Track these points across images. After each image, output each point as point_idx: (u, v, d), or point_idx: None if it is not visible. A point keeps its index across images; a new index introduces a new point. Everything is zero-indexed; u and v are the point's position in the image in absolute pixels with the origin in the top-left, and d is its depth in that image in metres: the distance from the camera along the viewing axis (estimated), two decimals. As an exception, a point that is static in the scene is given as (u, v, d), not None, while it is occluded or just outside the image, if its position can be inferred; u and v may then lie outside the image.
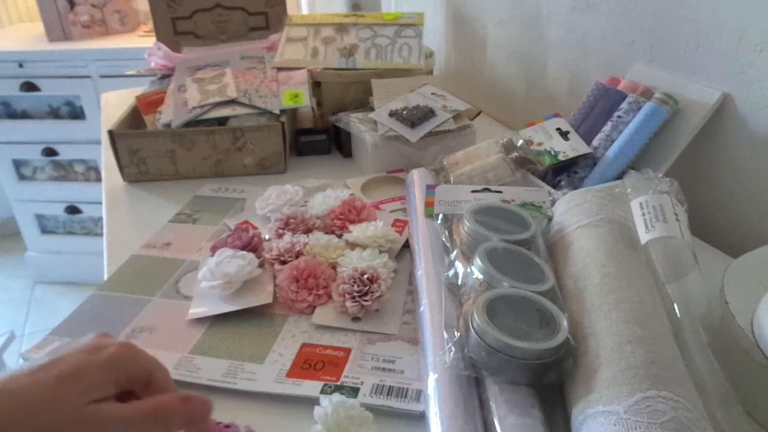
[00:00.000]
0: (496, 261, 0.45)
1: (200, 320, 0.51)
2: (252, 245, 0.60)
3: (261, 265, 0.57)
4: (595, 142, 0.70)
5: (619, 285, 0.42)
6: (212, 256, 0.57)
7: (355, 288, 0.51)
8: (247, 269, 0.54)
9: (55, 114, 1.98)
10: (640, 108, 0.67)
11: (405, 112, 0.79)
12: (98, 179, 2.02)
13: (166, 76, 0.94)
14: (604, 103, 0.71)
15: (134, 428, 0.33)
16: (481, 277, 0.44)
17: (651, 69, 0.71)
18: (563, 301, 0.44)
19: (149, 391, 0.34)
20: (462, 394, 0.39)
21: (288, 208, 0.65)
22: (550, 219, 0.55)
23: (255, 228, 0.64)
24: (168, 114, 0.82)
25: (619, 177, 0.66)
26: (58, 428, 0.31)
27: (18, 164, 2.04)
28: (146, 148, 0.78)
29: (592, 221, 0.49)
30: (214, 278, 0.54)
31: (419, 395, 0.42)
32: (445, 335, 0.42)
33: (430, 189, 0.62)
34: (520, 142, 0.71)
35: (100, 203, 0.77)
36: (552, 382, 0.39)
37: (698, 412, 0.33)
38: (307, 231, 0.62)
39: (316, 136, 0.88)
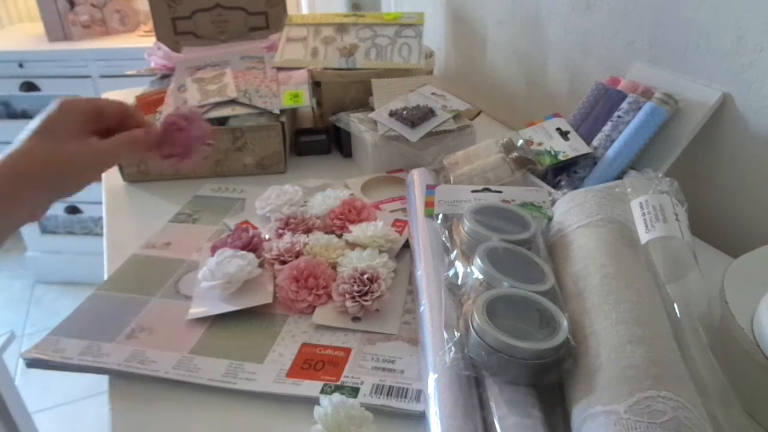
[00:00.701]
0: (496, 261, 0.45)
1: (200, 320, 0.52)
2: (252, 245, 0.60)
3: (261, 265, 0.57)
4: (595, 142, 0.70)
5: (619, 285, 0.42)
6: (212, 256, 0.57)
7: (355, 288, 0.51)
8: (247, 269, 0.54)
9: (55, 114, 1.98)
10: (640, 108, 0.67)
11: (405, 112, 0.79)
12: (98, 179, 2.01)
13: (166, 76, 0.94)
14: (604, 103, 0.71)
15: (114, 153, 0.49)
16: (481, 277, 0.44)
17: (651, 69, 0.71)
18: (563, 301, 0.44)
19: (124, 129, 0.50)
20: (462, 394, 0.39)
21: (288, 208, 0.65)
22: (550, 219, 0.55)
23: (255, 228, 0.64)
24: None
25: (619, 177, 0.66)
26: (67, 164, 0.45)
27: (18, 164, 2.04)
28: (146, 148, 0.78)
29: (592, 221, 0.49)
30: (214, 278, 0.54)
31: (419, 395, 0.43)
32: (445, 335, 0.42)
33: (430, 189, 0.62)
34: (520, 142, 0.71)
35: (100, 203, 0.77)
36: (552, 382, 0.39)
37: (698, 412, 0.33)
38: (307, 231, 0.62)
39: (316, 136, 0.88)
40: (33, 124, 0.46)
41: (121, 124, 0.51)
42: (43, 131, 0.46)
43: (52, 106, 0.48)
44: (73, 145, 0.46)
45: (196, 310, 0.52)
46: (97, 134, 0.49)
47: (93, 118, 0.49)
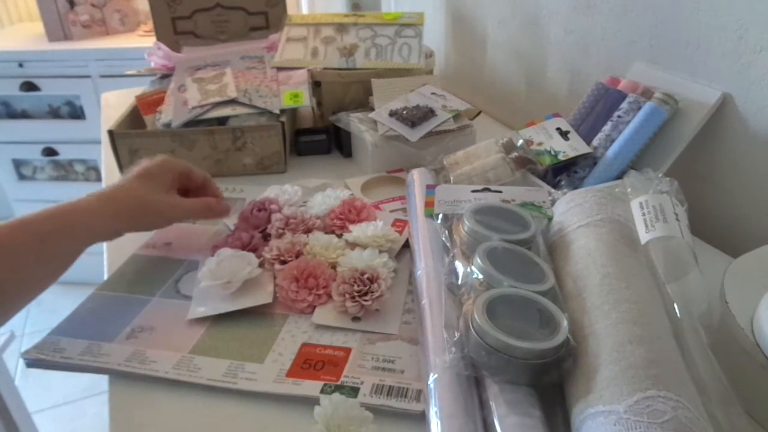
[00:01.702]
0: (496, 261, 0.45)
1: (200, 320, 0.51)
2: (252, 245, 0.60)
3: (261, 265, 0.57)
4: (595, 142, 0.70)
5: (619, 285, 0.42)
6: (212, 256, 0.57)
7: (355, 288, 0.51)
8: (247, 269, 0.54)
9: (55, 114, 1.98)
10: (640, 108, 0.67)
11: (405, 112, 0.79)
12: (98, 179, 2.02)
13: (166, 75, 0.94)
14: (604, 103, 0.71)
15: (192, 213, 0.62)
16: (481, 276, 0.44)
17: (651, 69, 0.71)
18: (563, 301, 0.44)
19: (201, 194, 0.64)
20: (462, 394, 0.39)
21: (287, 208, 0.65)
22: (550, 219, 0.55)
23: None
24: (168, 114, 0.82)
25: (619, 177, 0.66)
26: (155, 209, 0.57)
27: (18, 164, 2.04)
28: (146, 148, 0.78)
29: (592, 221, 0.49)
30: (214, 278, 0.54)
31: (419, 395, 0.42)
32: (445, 335, 0.42)
33: (430, 189, 0.62)
34: (520, 141, 0.71)
35: (100, 203, 0.76)
36: (552, 382, 0.39)
37: (698, 412, 0.33)
38: (307, 231, 0.62)
39: (316, 136, 0.88)
40: (137, 169, 0.58)
41: (200, 188, 0.64)
42: (143, 177, 0.57)
43: (155, 160, 0.59)
44: (162, 196, 0.58)
45: (196, 310, 0.52)
46: (180, 192, 0.62)
47: (182, 178, 0.61)
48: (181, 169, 0.61)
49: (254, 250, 0.59)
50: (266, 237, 0.62)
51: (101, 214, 0.53)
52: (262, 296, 0.54)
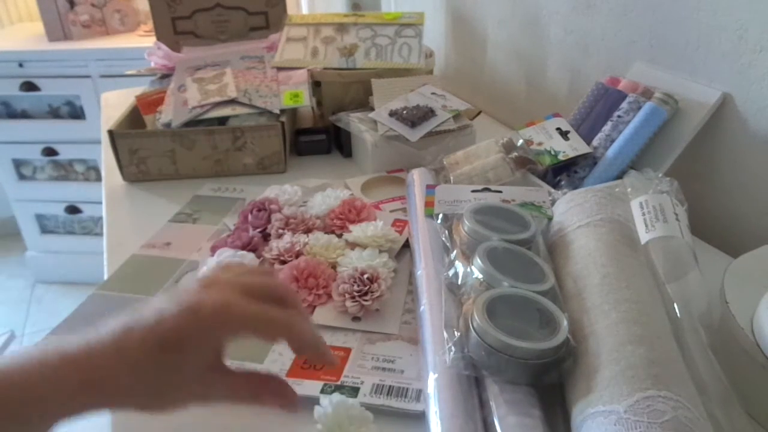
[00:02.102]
0: (496, 261, 0.45)
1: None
2: (252, 245, 0.60)
3: (261, 264, 0.57)
4: (595, 142, 0.70)
5: (619, 285, 0.42)
6: (212, 255, 0.57)
7: (355, 288, 0.51)
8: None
9: (55, 114, 1.98)
10: (640, 108, 0.67)
11: (405, 112, 0.79)
12: (98, 179, 2.02)
13: (166, 75, 0.94)
14: (604, 103, 0.71)
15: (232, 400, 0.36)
16: (481, 276, 0.44)
17: (651, 69, 0.71)
18: (563, 301, 0.44)
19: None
20: (462, 394, 0.39)
21: (287, 208, 0.65)
22: (550, 219, 0.55)
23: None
24: (168, 114, 0.82)
25: (619, 177, 0.66)
26: (170, 394, 0.34)
27: (18, 164, 2.04)
28: (146, 148, 0.78)
29: (592, 221, 0.49)
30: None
31: (419, 395, 0.42)
32: (445, 335, 0.42)
33: (430, 189, 0.62)
34: (520, 141, 0.71)
35: (100, 203, 0.77)
36: (552, 382, 0.39)
37: (698, 412, 0.33)
38: (307, 231, 0.62)
39: (316, 136, 0.88)
40: (165, 327, 0.34)
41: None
42: (165, 349, 0.34)
43: (211, 301, 0.35)
44: (182, 385, 0.36)
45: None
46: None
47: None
48: (236, 332, 0.36)
49: (254, 250, 0.59)
50: (266, 237, 0.62)
51: (71, 393, 0.32)
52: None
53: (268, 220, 0.63)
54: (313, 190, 0.71)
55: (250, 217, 0.64)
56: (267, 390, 0.38)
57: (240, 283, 0.36)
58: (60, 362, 0.32)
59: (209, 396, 0.36)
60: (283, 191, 0.69)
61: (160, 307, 0.33)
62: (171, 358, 0.33)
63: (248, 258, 0.56)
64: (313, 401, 0.42)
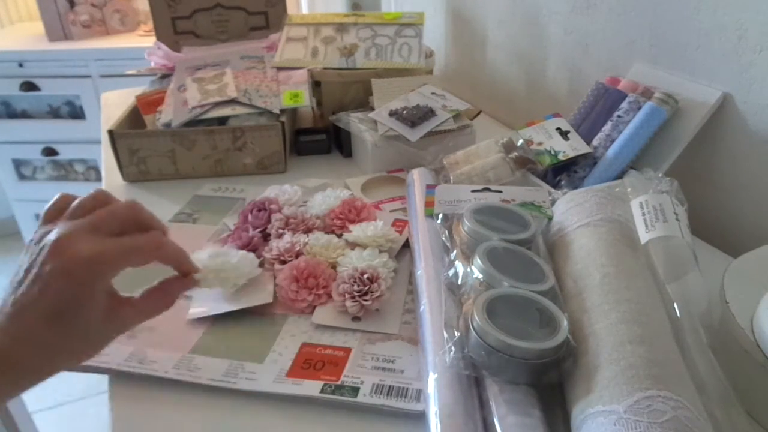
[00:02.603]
0: (496, 261, 0.45)
1: (200, 320, 0.51)
2: (252, 245, 0.60)
3: (261, 265, 0.57)
4: (595, 142, 0.70)
5: (619, 285, 0.42)
6: None
7: (355, 288, 0.51)
8: (247, 269, 0.54)
9: (55, 114, 1.98)
10: (640, 108, 0.67)
11: (405, 112, 0.79)
12: (98, 179, 2.02)
13: (166, 75, 0.94)
14: (604, 103, 0.71)
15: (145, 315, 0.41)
16: (481, 276, 0.44)
17: (651, 69, 0.71)
18: (563, 301, 0.44)
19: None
20: (462, 394, 0.39)
21: (287, 208, 0.65)
22: (550, 219, 0.55)
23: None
24: (168, 114, 0.82)
25: (619, 177, 0.66)
26: (83, 346, 0.37)
27: (18, 164, 2.04)
28: (146, 148, 0.78)
29: (592, 221, 0.49)
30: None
31: (419, 395, 0.42)
32: (445, 335, 0.42)
33: (430, 189, 0.62)
34: (520, 141, 0.71)
35: (100, 203, 0.76)
36: (552, 382, 0.39)
37: (698, 412, 0.33)
38: (307, 231, 0.62)
39: (316, 136, 0.88)
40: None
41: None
42: (51, 319, 0.36)
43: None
44: (87, 322, 0.37)
45: (196, 310, 0.52)
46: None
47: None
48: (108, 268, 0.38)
49: (254, 249, 0.59)
50: (266, 237, 0.62)
51: None
52: (262, 296, 0.54)
53: (268, 220, 0.63)
54: (313, 190, 0.71)
55: (250, 217, 0.64)
56: (168, 292, 0.42)
57: (91, 225, 0.37)
58: None
59: (124, 326, 0.39)
60: (283, 191, 0.69)
61: (36, 278, 0.35)
62: (67, 322, 0.35)
63: (248, 258, 0.57)
64: (314, 401, 0.42)
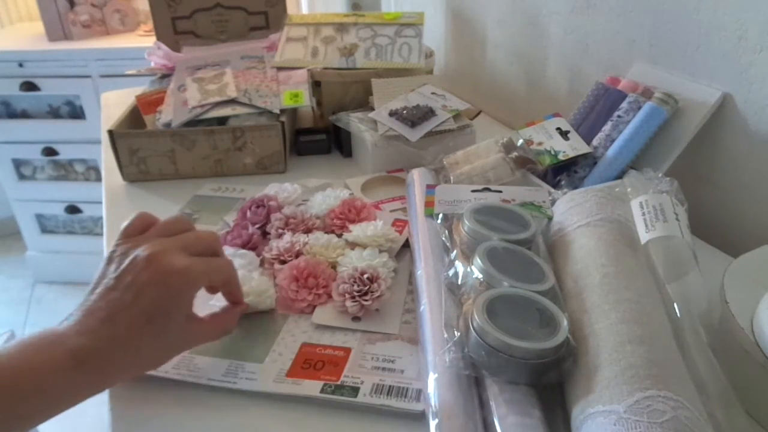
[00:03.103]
0: (496, 261, 0.45)
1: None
2: (252, 243, 0.60)
3: (261, 264, 0.57)
4: (595, 142, 0.70)
5: (619, 284, 0.42)
6: None
7: (355, 287, 0.51)
8: (247, 268, 0.54)
9: (55, 114, 1.98)
10: (640, 107, 0.67)
11: (405, 112, 0.79)
12: (98, 179, 2.02)
13: (166, 75, 0.94)
14: (604, 103, 0.71)
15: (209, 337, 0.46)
16: (481, 276, 0.44)
17: (651, 68, 0.71)
18: (563, 301, 0.44)
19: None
20: (462, 394, 0.39)
21: (287, 207, 0.65)
22: (550, 218, 0.55)
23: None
24: (168, 114, 0.82)
25: (619, 176, 0.66)
26: (161, 354, 0.42)
27: (18, 164, 2.04)
28: (146, 148, 0.78)
29: (592, 221, 0.49)
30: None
31: (419, 395, 0.42)
32: (445, 335, 0.42)
33: (430, 188, 0.62)
34: (520, 141, 0.71)
35: (100, 203, 0.77)
36: (552, 382, 0.39)
37: (698, 412, 0.33)
38: (307, 231, 0.62)
39: (316, 136, 0.88)
40: (143, 304, 0.39)
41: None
42: (148, 321, 0.40)
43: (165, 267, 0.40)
44: (173, 335, 0.42)
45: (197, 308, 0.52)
46: None
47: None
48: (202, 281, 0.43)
49: (254, 248, 0.59)
50: (265, 234, 0.62)
51: (77, 381, 0.37)
52: (263, 302, 0.53)
53: (267, 217, 0.63)
54: (314, 190, 0.71)
55: (248, 213, 0.64)
56: (232, 315, 0.47)
57: (182, 244, 0.42)
58: (53, 348, 0.36)
59: (195, 340, 0.44)
60: (282, 189, 0.69)
61: (130, 285, 0.39)
62: (157, 326, 0.39)
63: (248, 257, 0.56)
64: (313, 401, 0.42)
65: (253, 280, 0.53)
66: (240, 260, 0.55)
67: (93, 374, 0.37)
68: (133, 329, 0.38)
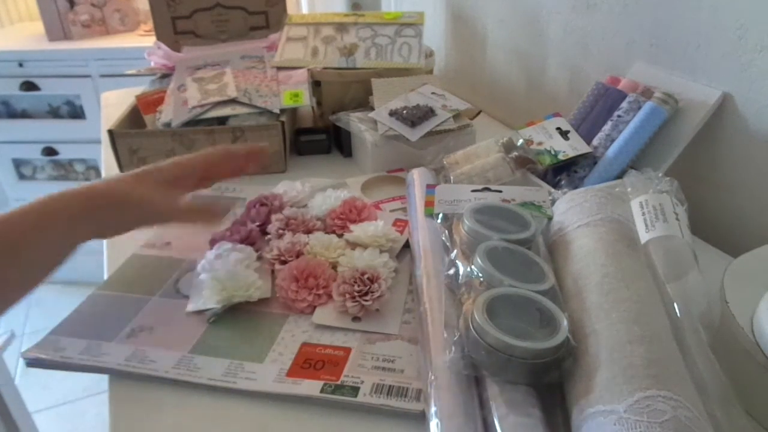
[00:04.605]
0: (496, 260, 0.45)
1: (200, 319, 0.51)
2: (250, 239, 0.60)
3: (259, 258, 0.57)
4: (595, 142, 0.70)
5: (619, 284, 0.42)
6: (211, 248, 0.58)
7: (356, 288, 0.51)
8: (245, 262, 0.55)
9: (55, 113, 1.98)
10: (640, 107, 0.67)
11: (405, 112, 0.79)
12: (98, 178, 2.02)
13: (166, 75, 0.94)
14: (604, 103, 0.71)
15: (181, 218, 0.54)
16: (481, 276, 0.44)
17: (651, 68, 0.71)
18: (563, 301, 0.44)
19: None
20: (462, 393, 0.39)
21: (288, 209, 0.65)
22: (550, 218, 0.55)
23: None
24: (168, 113, 0.82)
25: (619, 176, 0.66)
26: (135, 208, 0.51)
27: (18, 164, 2.04)
28: (146, 148, 0.78)
29: (592, 221, 0.49)
30: (213, 270, 0.54)
31: (419, 395, 0.42)
32: (445, 335, 0.42)
33: (430, 188, 0.62)
34: (520, 141, 0.71)
35: (100, 203, 0.76)
36: (552, 382, 0.39)
37: (698, 412, 0.33)
38: (308, 232, 0.62)
39: (316, 136, 0.88)
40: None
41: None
42: (137, 175, 0.53)
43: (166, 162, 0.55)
44: (149, 192, 0.52)
45: (196, 303, 0.52)
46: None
47: (194, 173, 0.57)
48: (189, 169, 0.55)
49: (252, 243, 0.59)
50: (264, 232, 0.62)
51: (76, 215, 0.47)
52: (262, 291, 0.53)
53: (268, 216, 0.64)
54: (320, 189, 0.71)
55: (252, 211, 0.64)
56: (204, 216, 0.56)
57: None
58: (65, 198, 0.46)
59: (163, 208, 0.52)
60: (292, 187, 0.69)
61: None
62: (143, 174, 0.52)
63: (246, 251, 0.57)
64: (314, 401, 0.42)
65: (242, 272, 0.54)
66: (238, 254, 0.56)
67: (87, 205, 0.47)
68: (125, 180, 0.51)
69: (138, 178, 0.52)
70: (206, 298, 0.52)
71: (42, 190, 2.12)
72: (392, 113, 0.80)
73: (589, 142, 0.70)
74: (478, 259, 0.45)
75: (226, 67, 0.90)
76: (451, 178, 0.67)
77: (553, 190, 0.64)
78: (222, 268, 0.54)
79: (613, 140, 0.68)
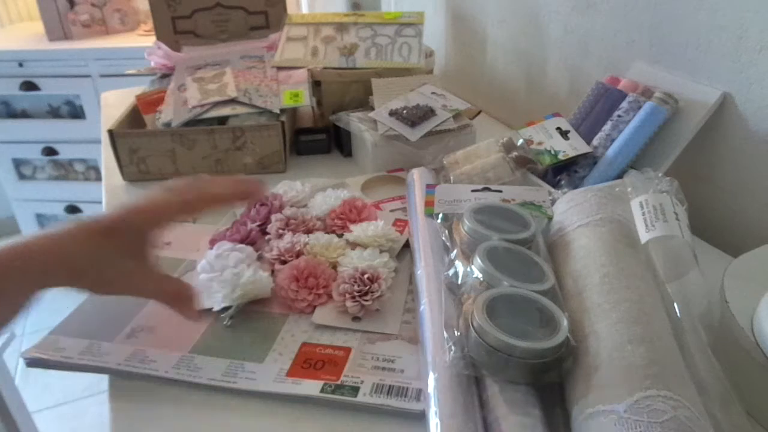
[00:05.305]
0: (496, 260, 0.45)
1: (200, 319, 0.51)
2: (250, 238, 0.60)
3: (259, 258, 0.57)
4: (595, 142, 0.70)
5: (619, 284, 0.42)
6: (211, 248, 0.58)
7: (356, 287, 0.51)
8: (245, 262, 0.55)
9: (55, 113, 1.98)
10: (640, 107, 0.67)
11: (405, 112, 0.79)
12: (98, 178, 2.02)
13: (166, 75, 0.94)
14: (604, 103, 0.71)
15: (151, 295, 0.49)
16: (481, 276, 0.44)
17: (651, 68, 0.71)
18: (563, 301, 0.44)
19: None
20: (462, 393, 0.39)
21: (288, 209, 0.65)
22: (550, 218, 0.55)
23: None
24: (168, 113, 0.82)
25: (620, 176, 0.66)
26: (111, 275, 0.45)
27: (18, 164, 2.04)
28: (146, 148, 0.78)
29: (592, 220, 0.49)
30: (213, 270, 0.54)
31: (419, 395, 0.42)
32: (445, 335, 0.42)
33: (430, 188, 0.62)
34: (520, 141, 0.71)
35: (100, 202, 0.77)
36: (552, 382, 0.39)
37: (698, 412, 0.33)
38: (308, 232, 0.62)
39: (316, 136, 0.88)
40: (106, 218, 0.45)
41: None
42: (102, 234, 0.45)
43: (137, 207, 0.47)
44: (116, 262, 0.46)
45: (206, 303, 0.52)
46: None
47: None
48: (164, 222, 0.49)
49: (252, 243, 0.59)
50: (264, 232, 0.62)
51: (41, 268, 0.41)
52: (261, 291, 0.53)
53: (267, 216, 0.64)
54: (320, 189, 0.71)
55: (253, 211, 0.64)
56: (180, 297, 0.48)
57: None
58: (29, 247, 0.41)
59: (142, 287, 0.47)
60: (292, 187, 0.69)
61: (98, 213, 0.45)
62: (113, 241, 0.44)
63: (246, 251, 0.57)
64: (314, 401, 0.42)
65: (246, 273, 0.53)
66: (238, 254, 0.55)
67: (61, 269, 0.42)
68: (92, 236, 0.44)
69: (103, 240, 0.44)
70: (224, 297, 0.52)
71: (42, 189, 2.13)
72: (392, 113, 0.80)
73: (589, 142, 0.70)
74: (478, 259, 0.45)
75: (226, 67, 0.90)
76: (451, 178, 0.67)
77: (553, 190, 0.64)
78: (228, 269, 0.54)
79: (613, 140, 0.68)
